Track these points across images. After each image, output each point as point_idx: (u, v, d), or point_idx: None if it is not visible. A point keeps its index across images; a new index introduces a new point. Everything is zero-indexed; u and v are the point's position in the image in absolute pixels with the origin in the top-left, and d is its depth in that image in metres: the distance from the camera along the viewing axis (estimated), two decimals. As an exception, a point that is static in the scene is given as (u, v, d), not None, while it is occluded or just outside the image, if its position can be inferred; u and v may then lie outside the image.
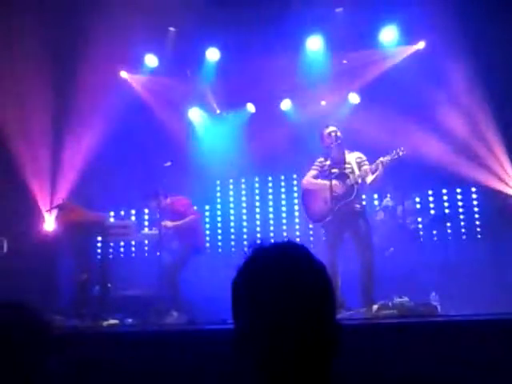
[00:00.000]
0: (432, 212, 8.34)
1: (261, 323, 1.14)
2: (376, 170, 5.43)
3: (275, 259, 1.20)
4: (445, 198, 8.54)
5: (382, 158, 5.42)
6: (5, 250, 6.31)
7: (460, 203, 8.47)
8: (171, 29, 8.11)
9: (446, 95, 7.41)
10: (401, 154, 5.38)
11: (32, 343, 1.50)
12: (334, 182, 5.44)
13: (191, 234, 6.63)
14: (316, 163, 5.79)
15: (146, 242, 7.76)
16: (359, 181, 5.49)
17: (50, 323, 1.70)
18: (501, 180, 7.38)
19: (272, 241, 1.28)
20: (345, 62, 7.99)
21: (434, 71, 7.55)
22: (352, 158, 5.68)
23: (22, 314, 1.55)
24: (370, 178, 5.49)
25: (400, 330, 3.09)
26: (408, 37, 7.99)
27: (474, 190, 8.32)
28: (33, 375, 1.49)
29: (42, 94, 7.36)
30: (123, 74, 8.49)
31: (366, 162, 5.65)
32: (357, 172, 5.53)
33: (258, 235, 8.91)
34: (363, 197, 5.75)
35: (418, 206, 8.30)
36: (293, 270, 1.17)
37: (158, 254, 6.45)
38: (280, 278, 1.16)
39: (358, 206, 5.52)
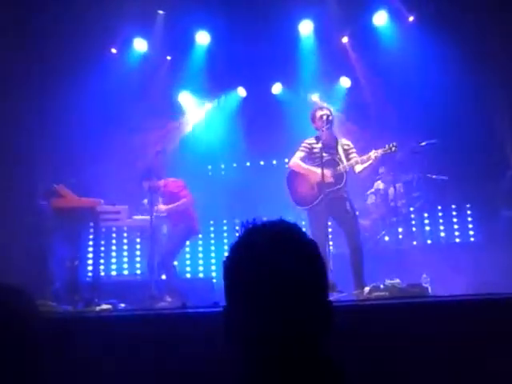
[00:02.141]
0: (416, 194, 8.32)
1: (252, 302, 1.14)
2: (366, 162, 5.43)
3: (268, 238, 1.19)
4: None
5: (374, 152, 5.40)
6: (-5, 235, 6.28)
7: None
8: (160, 12, 8.02)
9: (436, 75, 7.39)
10: (393, 149, 5.38)
11: (30, 327, 1.50)
12: (326, 171, 5.39)
13: (184, 217, 6.61)
14: (304, 144, 5.69)
15: (138, 227, 7.74)
16: (347, 168, 5.48)
17: (40, 308, 1.70)
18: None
19: (264, 219, 1.26)
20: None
21: (425, 50, 7.51)
22: (339, 145, 5.65)
23: (21, 298, 1.54)
24: (358, 168, 5.50)
25: (391, 311, 3.12)
26: (398, 16, 7.96)
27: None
28: (30, 360, 1.49)
29: (27, 75, 7.26)
30: (113, 51, 8.35)
31: (353, 150, 5.64)
32: (343, 160, 5.52)
33: (250, 218, 8.91)
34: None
35: (409, 189, 8.32)
36: (285, 250, 1.17)
37: (150, 239, 6.44)
38: (272, 257, 1.15)
39: (344, 193, 5.51)
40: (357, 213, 5.73)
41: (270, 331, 1.12)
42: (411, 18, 7.87)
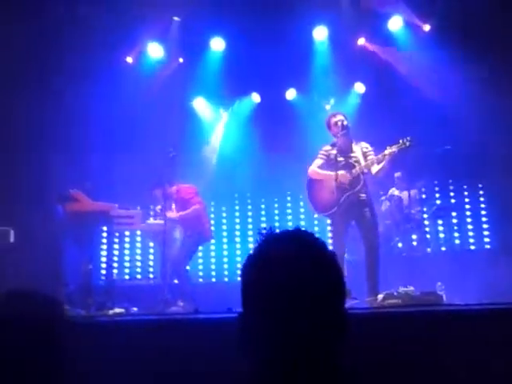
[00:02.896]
0: (438, 202, 8.32)
1: (269, 309, 1.14)
2: (382, 161, 5.36)
3: (286, 246, 1.19)
4: (451, 187, 8.54)
5: (388, 149, 5.31)
6: (11, 239, 6.34)
7: (466, 193, 8.46)
8: (175, 18, 8.08)
9: (453, 83, 7.34)
10: (407, 144, 5.24)
11: (46, 333, 1.51)
12: (341, 172, 5.37)
13: (196, 223, 6.62)
14: (322, 151, 5.69)
15: (152, 232, 7.78)
16: (365, 170, 5.44)
17: (63, 311, 1.71)
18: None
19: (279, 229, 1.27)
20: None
21: (441, 58, 7.48)
22: (358, 148, 5.62)
23: (35, 303, 1.55)
24: (375, 169, 5.43)
25: (405, 319, 3.09)
26: (414, 23, 7.94)
27: (480, 186, 8.31)
28: (47, 363, 1.49)
29: (42, 87, 7.35)
30: (129, 60, 8.44)
31: (372, 152, 5.57)
32: (362, 162, 5.48)
33: (263, 225, 8.91)
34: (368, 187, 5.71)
35: (424, 195, 8.28)
36: (303, 257, 1.17)
37: (163, 244, 6.46)
38: (290, 264, 1.15)
39: (363, 195, 5.47)
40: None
41: (286, 338, 1.13)
42: (427, 28, 7.83)
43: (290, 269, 1.14)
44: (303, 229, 1.26)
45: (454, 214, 8.31)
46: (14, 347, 1.42)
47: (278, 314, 1.13)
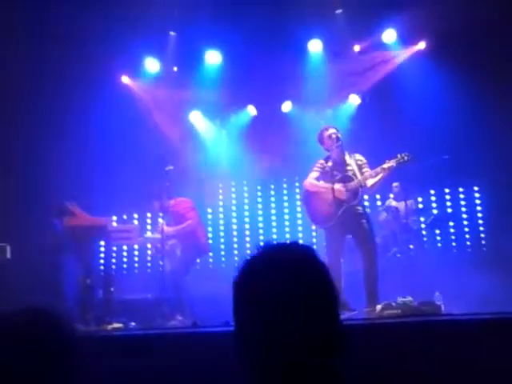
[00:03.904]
0: (434, 212, 8.35)
1: (262, 323, 1.14)
2: (378, 174, 5.38)
3: (278, 259, 1.20)
4: (447, 197, 8.57)
5: (387, 163, 5.34)
6: (8, 255, 6.32)
7: (463, 202, 8.49)
8: (172, 33, 8.14)
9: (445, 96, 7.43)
10: (406, 158, 5.30)
11: (54, 349, 1.51)
12: (338, 186, 5.39)
13: (192, 237, 6.60)
14: (317, 164, 5.68)
15: (149, 245, 7.78)
16: (362, 184, 5.45)
17: (73, 328, 1.71)
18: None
19: (275, 242, 1.27)
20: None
21: (434, 72, 7.58)
22: (352, 160, 5.63)
23: (44, 320, 1.55)
24: (370, 182, 5.44)
25: (404, 329, 3.09)
26: (409, 38, 8.02)
27: (476, 188, 8.34)
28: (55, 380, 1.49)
29: (40, 97, 7.38)
30: (124, 80, 8.54)
31: (366, 165, 5.58)
32: (358, 175, 5.49)
33: (261, 237, 8.92)
34: (365, 197, 5.74)
35: (421, 205, 8.30)
36: (295, 271, 1.17)
37: (161, 258, 6.46)
38: (282, 278, 1.15)
39: (359, 208, 5.48)
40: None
41: (281, 352, 1.12)
42: (422, 46, 7.95)
43: (281, 284, 1.14)
44: (298, 241, 1.27)
45: (451, 223, 8.33)
46: (24, 365, 1.42)
47: (271, 328, 1.13)
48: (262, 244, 1.26)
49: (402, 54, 8.19)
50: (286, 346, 1.12)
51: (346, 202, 5.40)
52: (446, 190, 8.56)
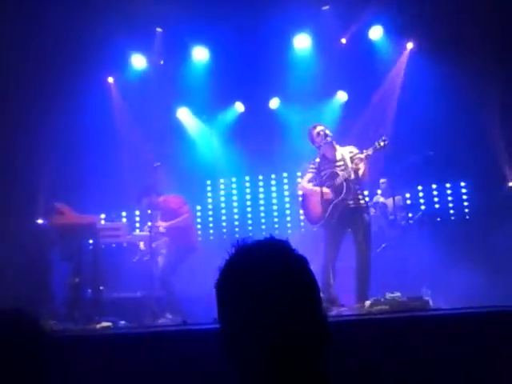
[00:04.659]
0: (422, 207, 8.40)
1: (244, 322, 1.15)
2: (358, 165, 5.43)
3: (255, 257, 1.21)
4: (435, 193, 8.63)
5: (364, 152, 5.41)
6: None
7: (450, 198, 8.55)
8: (158, 29, 8.10)
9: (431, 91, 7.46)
10: (382, 144, 5.32)
11: (31, 349, 1.51)
12: (325, 190, 5.44)
13: (183, 233, 6.60)
14: (311, 165, 5.74)
15: (138, 243, 7.74)
16: (352, 176, 5.45)
17: (45, 328, 1.71)
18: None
19: (253, 238, 1.27)
20: None
21: (420, 68, 7.62)
22: (345, 152, 5.65)
23: (20, 321, 1.55)
24: (360, 172, 5.49)
25: (392, 324, 3.11)
26: (396, 34, 8.05)
27: (463, 184, 8.41)
28: (33, 380, 1.49)
29: (27, 96, 7.32)
30: (110, 80, 8.51)
31: (358, 155, 5.55)
32: (349, 166, 5.50)
33: (250, 234, 8.92)
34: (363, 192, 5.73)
35: (408, 201, 8.34)
36: (273, 267, 1.18)
37: (149, 255, 6.44)
38: (260, 276, 1.16)
39: (351, 202, 5.48)
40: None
41: (264, 348, 1.13)
42: (410, 45, 8.01)
43: (260, 281, 1.15)
44: (275, 237, 1.27)
45: (438, 219, 8.39)
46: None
47: (253, 326, 1.14)
48: (237, 242, 1.26)
49: (390, 51, 8.20)
50: (269, 343, 1.13)
51: (333, 198, 5.45)
52: (434, 186, 8.62)
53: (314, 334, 1.17)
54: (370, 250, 5.46)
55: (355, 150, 5.66)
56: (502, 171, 7.51)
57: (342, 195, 5.43)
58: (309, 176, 5.77)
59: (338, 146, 5.70)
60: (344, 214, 5.44)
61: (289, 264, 1.21)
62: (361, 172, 5.47)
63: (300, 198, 5.98)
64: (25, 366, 1.47)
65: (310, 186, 5.72)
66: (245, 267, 1.20)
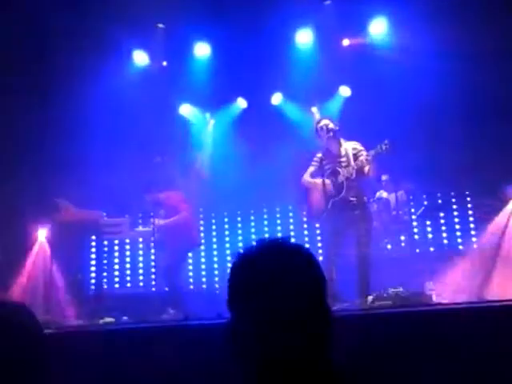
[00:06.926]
0: (425, 203, 8.38)
1: (257, 316, 1.18)
2: (364, 167, 5.40)
3: (271, 253, 1.26)
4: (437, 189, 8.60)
5: (366, 155, 5.39)
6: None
7: (452, 193, 8.53)
8: (160, 25, 8.09)
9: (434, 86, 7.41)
10: (384, 148, 5.24)
11: (31, 342, 1.51)
12: (327, 181, 5.43)
13: (185, 230, 6.58)
14: (315, 158, 5.73)
15: (141, 239, 7.76)
16: (353, 174, 5.43)
17: (45, 323, 1.71)
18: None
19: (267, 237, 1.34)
20: None
21: (423, 64, 7.56)
22: (349, 148, 5.61)
23: (18, 313, 1.55)
24: (366, 169, 5.47)
25: (395, 319, 3.11)
26: (397, 29, 8.00)
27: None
28: (32, 374, 1.49)
29: (29, 94, 7.31)
30: (113, 73, 8.46)
31: (363, 152, 5.52)
32: (352, 163, 5.49)
33: (253, 230, 8.92)
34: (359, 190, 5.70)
35: (411, 197, 8.33)
36: (288, 264, 1.23)
37: (153, 251, 6.44)
38: (276, 272, 1.20)
39: (352, 199, 5.48)
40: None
41: (272, 341, 1.16)
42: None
43: (274, 276, 1.20)
44: (286, 236, 1.35)
45: (441, 214, 8.37)
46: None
47: (266, 320, 1.17)
48: (255, 241, 1.31)
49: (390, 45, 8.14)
50: (281, 337, 1.16)
51: (332, 197, 5.45)
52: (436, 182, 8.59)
53: (319, 322, 1.21)
54: (370, 245, 5.45)
55: (359, 147, 5.63)
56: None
57: (342, 194, 5.43)
58: (311, 169, 5.76)
59: (343, 141, 5.68)
60: (343, 212, 5.43)
61: (303, 263, 1.26)
62: (366, 169, 5.45)
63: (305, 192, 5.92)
64: (24, 360, 1.47)
65: (312, 179, 5.71)
66: (260, 263, 1.24)
